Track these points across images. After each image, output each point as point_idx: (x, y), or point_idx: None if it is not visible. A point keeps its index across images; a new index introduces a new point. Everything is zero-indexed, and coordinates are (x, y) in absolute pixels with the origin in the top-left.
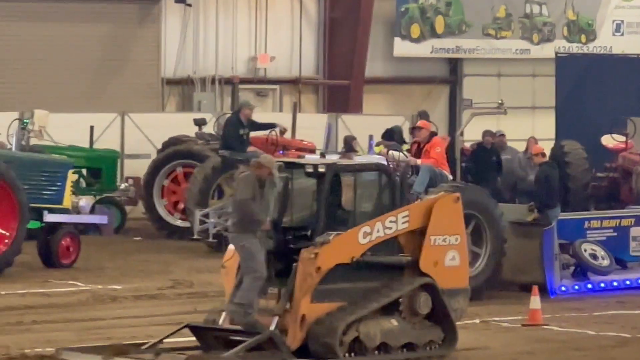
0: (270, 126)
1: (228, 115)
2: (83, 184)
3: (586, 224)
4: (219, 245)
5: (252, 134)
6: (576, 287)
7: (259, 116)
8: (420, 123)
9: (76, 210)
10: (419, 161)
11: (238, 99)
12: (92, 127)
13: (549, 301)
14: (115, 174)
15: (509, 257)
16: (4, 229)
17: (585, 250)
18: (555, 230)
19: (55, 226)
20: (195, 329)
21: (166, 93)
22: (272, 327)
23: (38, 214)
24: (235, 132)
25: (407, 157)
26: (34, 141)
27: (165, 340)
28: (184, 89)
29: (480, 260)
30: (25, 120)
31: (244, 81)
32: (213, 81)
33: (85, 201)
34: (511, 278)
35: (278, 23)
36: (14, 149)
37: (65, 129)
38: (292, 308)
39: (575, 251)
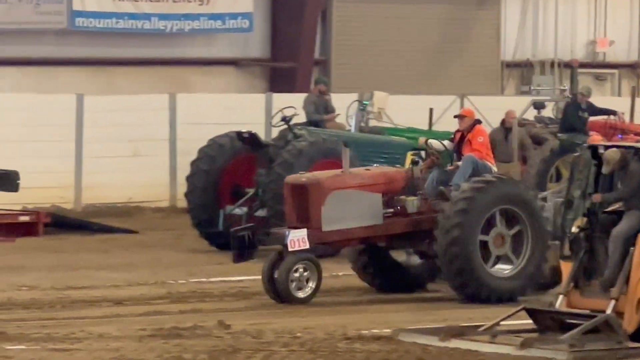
0: (609, 112)
1: (567, 99)
2: None
3: None
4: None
5: (591, 118)
6: None
7: (597, 100)
8: (463, 111)
9: None
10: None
11: (577, 83)
12: (431, 110)
13: None
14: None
15: None
16: None
17: None
18: None
19: None
20: (532, 312)
21: (505, 75)
22: (609, 311)
23: None
24: (575, 116)
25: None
26: (373, 123)
27: (502, 322)
28: (522, 72)
29: (521, 259)
30: (364, 102)
31: (582, 65)
32: (552, 65)
33: None
34: None
35: (618, 7)
36: (352, 130)
37: (405, 111)
38: (629, 291)
39: None
